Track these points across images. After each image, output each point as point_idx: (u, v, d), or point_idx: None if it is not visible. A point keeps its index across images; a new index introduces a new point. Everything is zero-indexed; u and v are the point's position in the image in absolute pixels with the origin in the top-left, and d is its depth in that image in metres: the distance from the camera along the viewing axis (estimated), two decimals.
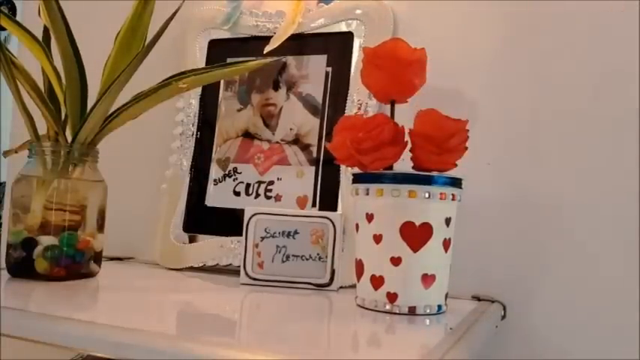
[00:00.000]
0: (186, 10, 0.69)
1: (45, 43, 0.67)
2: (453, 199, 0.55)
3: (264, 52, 0.78)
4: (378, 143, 0.54)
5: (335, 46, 0.78)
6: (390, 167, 0.56)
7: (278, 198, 0.77)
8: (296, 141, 0.78)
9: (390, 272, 0.54)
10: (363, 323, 0.52)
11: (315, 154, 0.76)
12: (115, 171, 0.71)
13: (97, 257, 0.66)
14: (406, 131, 0.56)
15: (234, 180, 0.80)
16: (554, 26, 0.70)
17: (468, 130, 0.55)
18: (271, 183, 0.78)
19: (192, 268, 0.77)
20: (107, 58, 0.67)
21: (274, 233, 0.67)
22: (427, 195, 0.53)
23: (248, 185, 0.79)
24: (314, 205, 0.75)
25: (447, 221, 0.55)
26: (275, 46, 0.78)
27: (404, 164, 0.57)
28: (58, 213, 0.62)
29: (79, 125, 0.64)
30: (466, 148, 0.56)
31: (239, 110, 0.82)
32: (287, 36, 0.78)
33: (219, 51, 0.84)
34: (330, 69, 0.78)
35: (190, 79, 0.65)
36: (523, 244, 0.69)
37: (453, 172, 0.56)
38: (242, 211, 0.69)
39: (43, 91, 0.67)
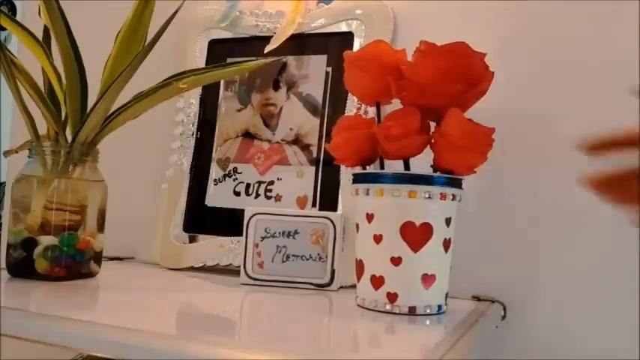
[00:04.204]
0: (186, 11, 0.69)
1: (45, 43, 0.67)
2: (453, 199, 0.55)
3: (265, 52, 0.78)
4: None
5: (335, 46, 0.78)
6: (369, 164, 0.57)
7: (278, 198, 0.77)
8: (296, 141, 0.78)
9: (390, 272, 0.54)
10: (363, 323, 0.52)
11: (315, 154, 0.76)
12: (115, 171, 0.71)
13: (97, 257, 0.66)
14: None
15: (234, 180, 0.80)
16: (556, 25, 0.70)
17: (493, 140, 0.55)
18: (271, 183, 0.78)
19: (192, 268, 0.77)
20: (107, 58, 0.67)
21: (274, 233, 0.67)
22: (427, 195, 0.53)
23: (248, 185, 0.79)
24: (314, 205, 0.75)
25: (447, 221, 0.55)
26: (275, 46, 0.78)
27: (402, 165, 0.57)
28: (58, 213, 0.62)
29: (79, 125, 0.64)
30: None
31: (239, 110, 0.82)
32: (287, 36, 0.78)
33: (220, 51, 0.84)
34: (330, 69, 0.78)
35: (190, 79, 0.65)
36: (523, 244, 0.69)
37: None
38: (242, 211, 0.69)
39: (43, 91, 0.67)
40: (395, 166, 0.57)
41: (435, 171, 0.56)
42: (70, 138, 0.65)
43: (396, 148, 0.55)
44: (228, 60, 0.82)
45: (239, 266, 0.68)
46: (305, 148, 0.77)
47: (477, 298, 0.67)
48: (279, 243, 0.67)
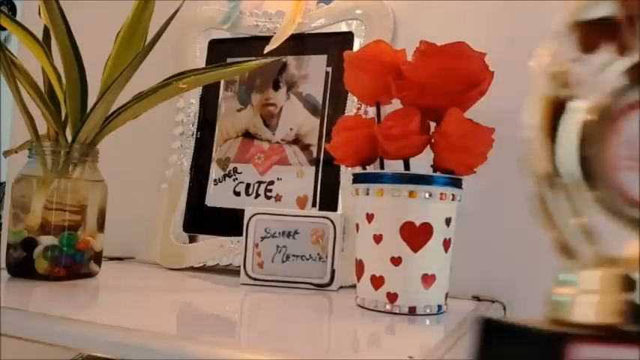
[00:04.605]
0: (186, 10, 0.69)
1: (45, 43, 0.67)
2: (453, 199, 0.55)
3: (265, 52, 0.78)
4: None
5: (335, 46, 0.78)
6: (369, 164, 0.57)
7: (278, 198, 0.77)
8: (296, 141, 0.78)
9: (390, 272, 0.54)
10: (363, 323, 0.52)
11: (315, 154, 0.76)
12: (115, 171, 0.71)
13: (97, 257, 0.66)
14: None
15: (234, 180, 0.80)
16: (556, 25, 0.70)
17: (493, 140, 0.55)
18: (271, 183, 0.78)
19: (192, 268, 0.77)
20: (107, 58, 0.67)
21: (274, 233, 0.67)
22: (427, 195, 0.53)
23: (248, 185, 0.79)
24: (314, 205, 0.75)
25: (447, 221, 0.55)
26: (275, 47, 0.78)
27: (402, 165, 0.57)
28: (58, 213, 0.62)
29: (79, 125, 0.64)
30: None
31: (239, 110, 0.82)
32: (287, 36, 0.78)
33: (219, 51, 0.84)
34: (330, 69, 0.78)
35: (190, 79, 0.65)
36: (523, 244, 0.69)
37: None
38: (242, 211, 0.69)
39: (43, 91, 0.67)
40: (395, 166, 0.57)
41: (435, 171, 0.56)
42: (70, 138, 0.65)
43: (396, 148, 0.55)
44: (228, 60, 0.82)
45: (239, 266, 0.68)
46: (305, 148, 0.77)
47: (477, 298, 0.67)
48: (279, 243, 0.67)
